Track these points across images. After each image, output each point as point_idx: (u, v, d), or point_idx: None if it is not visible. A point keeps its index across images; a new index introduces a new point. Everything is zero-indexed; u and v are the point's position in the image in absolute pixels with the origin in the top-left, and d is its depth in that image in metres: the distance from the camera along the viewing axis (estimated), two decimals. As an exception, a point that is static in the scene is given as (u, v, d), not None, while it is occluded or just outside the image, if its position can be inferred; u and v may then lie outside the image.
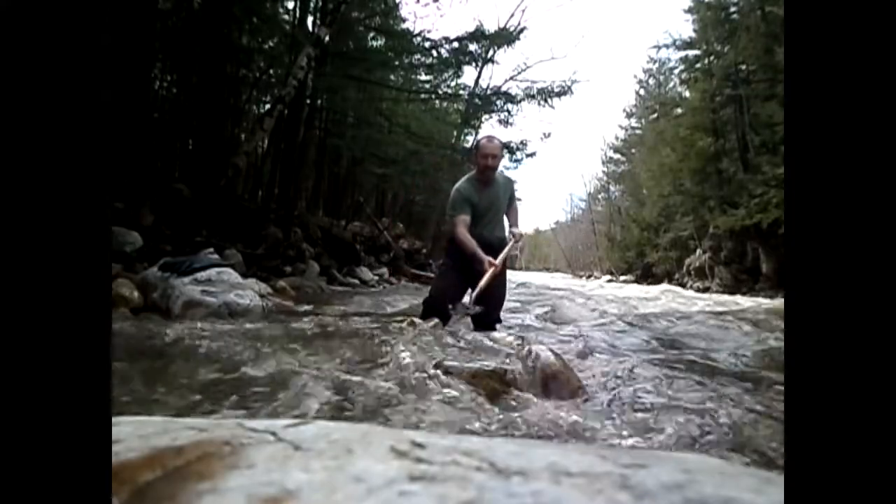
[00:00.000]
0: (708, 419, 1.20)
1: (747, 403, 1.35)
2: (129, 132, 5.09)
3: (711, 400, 1.37)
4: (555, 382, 1.42)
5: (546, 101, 11.19)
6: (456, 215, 2.64)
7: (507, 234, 2.89)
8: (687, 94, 16.89)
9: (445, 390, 1.33)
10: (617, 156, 29.22)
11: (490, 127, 12.56)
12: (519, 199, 2.98)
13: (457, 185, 2.78)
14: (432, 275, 7.65)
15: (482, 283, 2.43)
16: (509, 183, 2.88)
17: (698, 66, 15.27)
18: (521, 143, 10.87)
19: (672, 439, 1.10)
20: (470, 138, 14.35)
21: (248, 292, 3.04)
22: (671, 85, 22.15)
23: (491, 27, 9.99)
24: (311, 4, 8.11)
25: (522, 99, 11.21)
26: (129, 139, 5.07)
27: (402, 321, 2.39)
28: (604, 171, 31.17)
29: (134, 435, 0.40)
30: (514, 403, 1.32)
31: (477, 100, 11.93)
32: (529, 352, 1.57)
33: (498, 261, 2.53)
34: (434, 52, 9.56)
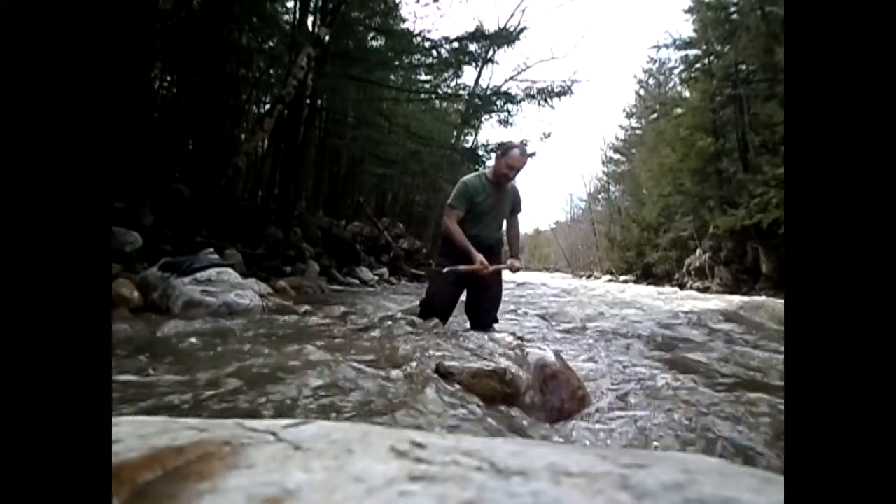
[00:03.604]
0: None
1: None
2: (129, 132, 5.08)
3: None
4: (554, 382, 1.42)
5: (546, 101, 11.21)
6: (453, 208, 2.63)
7: (504, 237, 2.89)
8: (687, 94, 16.89)
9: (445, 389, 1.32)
10: (617, 156, 29.27)
11: (490, 127, 12.59)
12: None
13: (466, 177, 2.74)
14: (432, 275, 7.63)
15: (463, 267, 2.52)
16: (516, 192, 2.85)
17: (698, 66, 15.28)
18: (522, 143, 10.85)
19: None
20: (470, 138, 14.36)
21: (248, 292, 3.05)
22: (671, 85, 22.23)
23: (491, 27, 10.00)
24: (311, 4, 8.10)
25: (522, 99, 11.23)
26: (129, 139, 5.06)
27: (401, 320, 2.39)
28: (604, 171, 31.28)
29: (134, 435, 0.40)
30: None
31: (477, 100, 11.92)
32: (528, 352, 1.57)
33: (490, 269, 2.56)
34: (434, 52, 9.56)
